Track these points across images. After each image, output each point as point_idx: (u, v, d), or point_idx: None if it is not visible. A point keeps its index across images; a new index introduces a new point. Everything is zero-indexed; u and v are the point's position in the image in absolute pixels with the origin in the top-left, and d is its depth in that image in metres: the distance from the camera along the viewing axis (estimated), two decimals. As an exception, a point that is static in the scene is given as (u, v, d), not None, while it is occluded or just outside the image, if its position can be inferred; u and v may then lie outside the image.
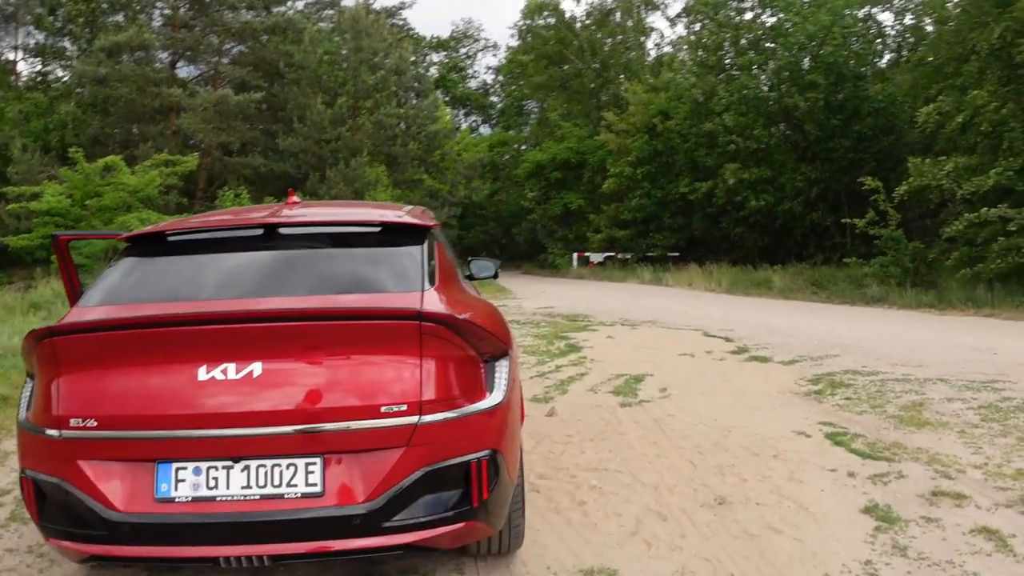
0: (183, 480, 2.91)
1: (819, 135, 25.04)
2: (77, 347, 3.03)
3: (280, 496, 2.90)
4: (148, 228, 3.81)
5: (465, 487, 3.02)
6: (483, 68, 66.62)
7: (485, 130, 53.46)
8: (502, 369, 3.28)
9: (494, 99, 54.62)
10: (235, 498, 2.89)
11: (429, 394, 2.95)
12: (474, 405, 3.07)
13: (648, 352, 10.28)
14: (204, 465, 2.92)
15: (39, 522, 3.09)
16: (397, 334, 2.97)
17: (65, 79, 33.02)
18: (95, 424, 2.92)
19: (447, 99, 48.72)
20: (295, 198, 4.45)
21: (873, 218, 18.82)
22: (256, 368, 2.89)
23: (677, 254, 29.52)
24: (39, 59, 35.66)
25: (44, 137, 29.28)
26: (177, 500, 2.89)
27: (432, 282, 3.41)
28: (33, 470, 3.07)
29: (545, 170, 37.67)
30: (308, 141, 29.93)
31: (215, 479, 2.91)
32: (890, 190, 18.35)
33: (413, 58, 36.50)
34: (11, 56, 34.79)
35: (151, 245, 3.70)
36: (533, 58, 42.07)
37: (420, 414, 2.93)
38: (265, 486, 2.90)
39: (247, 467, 2.92)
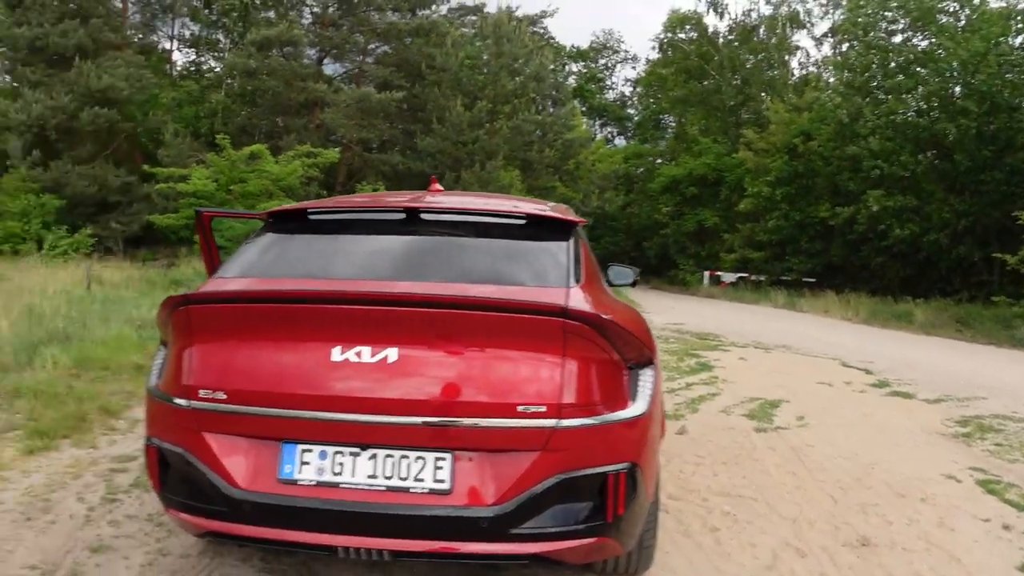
0: (308, 463, 2.84)
1: (969, 165, 23.65)
2: (211, 317, 3.00)
3: (406, 489, 2.78)
4: (289, 206, 3.76)
5: (600, 500, 2.84)
6: (621, 80, 66.14)
7: (620, 142, 53.18)
8: (646, 378, 3.08)
9: (631, 111, 54.20)
10: (360, 487, 2.79)
11: (569, 397, 2.78)
12: (615, 414, 2.88)
13: (783, 377, 9.84)
14: (331, 449, 2.84)
15: (160, 491, 3.07)
16: (539, 331, 2.81)
17: (217, 70, 34.64)
18: (224, 397, 2.88)
19: (584, 109, 48.73)
20: (437, 186, 4.35)
21: (1026, 255, 17.66)
22: (391, 354, 2.78)
23: (813, 280, 28.42)
24: (193, 50, 37.62)
25: (194, 124, 30.73)
26: (300, 483, 2.82)
27: (577, 280, 3.23)
28: (158, 438, 3.05)
29: (681, 185, 37.05)
30: (446, 142, 30.38)
31: (340, 464, 2.83)
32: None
33: (552, 66, 36.53)
34: (167, 45, 36.76)
35: (292, 222, 3.67)
36: (673, 71, 41.52)
37: (559, 417, 2.76)
38: (391, 477, 2.79)
39: (374, 456, 2.82)
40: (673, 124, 48.09)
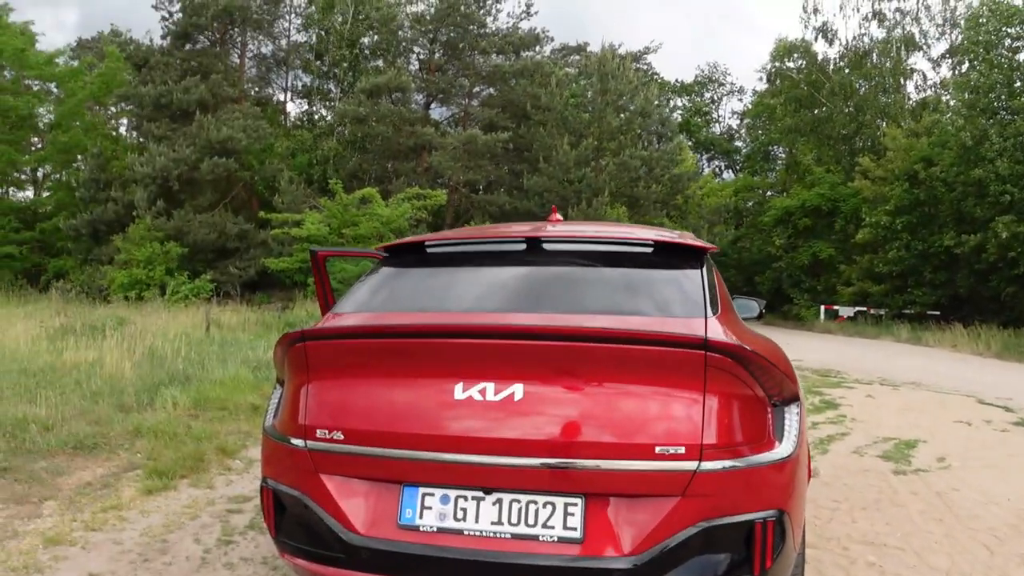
0: (429, 507, 2.70)
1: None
2: (328, 354, 2.90)
3: (534, 538, 2.60)
4: (406, 239, 3.68)
5: (746, 552, 2.60)
6: (728, 112, 65.17)
7: (729, 175, 52.20)
8: (792, 415, 2.84)
9: (739, 143, 53.30)
10: (484, 534, 2.63)
11: (711, 437, 2.56)
12: (761, 455, 2.65)
13: (916, 415, 9.26)
14: (453, 493, 2.69)
15: (275, 535, 2.98)
16: (678, 364, 2.60)
17: (328, 118, 35.54)
18: (342, 437, 2.77)
19: (691, 143, 48.07)
20: (558, 216, 4.21)
21: None
22: (517, 391, 2.62)
23: (937, 312, 27.03)
24: (306, 100, 38.81)
25: (308, 171, 31.61)
26: (422, 529, 2.68)
27: (715, 310, 3.02)
28: (275, 480, 2.96)
29: (793, 216, 35.92)
30: (552, 180, 30.45)
31: (463, 510, 2.67)
32: None
33: (657, 101, 36.24)
34: (281, 97, 38.13)
35: (408, 255, 3.58)
36: (782, 101, 40.54)
37: (700, 459, 2.54)
38: (518, 524, 2.62)
39: (499, 500, 2.65)
40: (783, 155, 46.95)
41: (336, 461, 2.80)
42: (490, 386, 2.63)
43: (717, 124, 55.35)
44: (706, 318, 2.90)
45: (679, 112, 50.97)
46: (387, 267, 3.50)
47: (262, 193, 31.72)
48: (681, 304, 3.00)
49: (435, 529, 2.66)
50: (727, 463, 2.56)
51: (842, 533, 4.73)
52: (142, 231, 27.01)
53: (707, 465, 2.54)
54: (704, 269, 3.23)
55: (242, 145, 28.30)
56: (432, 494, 2.70)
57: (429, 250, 3.56)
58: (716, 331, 2.76)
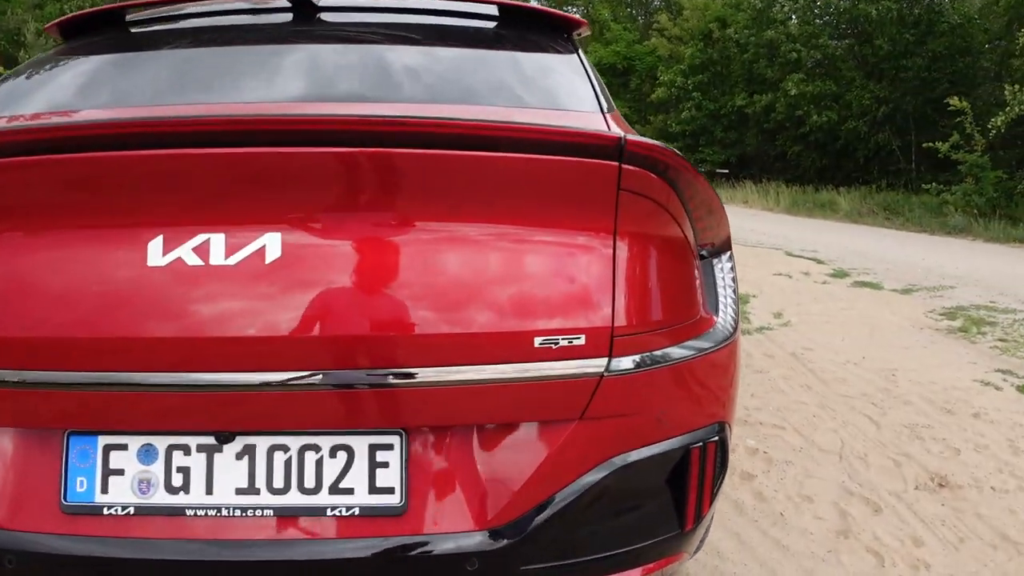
0: (119, 471, 1.42)
1: (890, 50, 22.81)
2: None
3: (316, 512, 1.41)
4: (91, 10, 2.25)
5: (677, 495, 1.54)
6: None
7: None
8: (726, 272, 1.77)
9: None
10: (223, 512, 1.40)
11: (625, 315, 1.44)
12: (696, 340, 1.58)
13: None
14: (161, 443, 1.42)
15: None
16: (575, 186, 1.44)
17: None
18: None
19: None
20: None
21: (957, 141, 16.93)
22: (270, 244, 1.36)
23: (727, 171, 27.55)
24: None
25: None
26: (108, 511, 1.41)
27: (609, 107, 1.87)
28: None
29: (588, 75, 35.37)
30: None
31: (183, 472, 1.42)
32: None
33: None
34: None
35: (98, 36, 2.19)
36: (578, -46, 39.43)
37: (610, 355, 1.43)
38: (285, 490, 1.42)
39: (247, 451, 1.42)
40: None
41: None
42: (218, 238, 1.35)
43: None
44: (604, 114, 1.77)
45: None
46: (63, 56, 2.08)
47: (5, 49, 27.40)
48: (565, 95, 1.87)
49: (131, 511, 1.40)
50: (649, 355, 1.47)
51: (705, 408, 3.87)
52: None
53: (620, 363, 1.43)
54: (580, 53, 2.13)
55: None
56: (123, 447, 1.42)
57: (134, 28, 2.21)
58: (626, 131, 1.57)
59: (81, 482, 1.41)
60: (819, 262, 9.69)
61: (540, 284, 1.41)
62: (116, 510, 1.40)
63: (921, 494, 3.03)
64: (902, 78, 22.96)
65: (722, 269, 1.77)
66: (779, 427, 3.63)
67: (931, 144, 17.65)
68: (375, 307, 1.36)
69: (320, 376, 1.35)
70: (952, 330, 6.06)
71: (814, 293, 7.45)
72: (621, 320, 1.42)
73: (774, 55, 25.07)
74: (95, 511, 1.40)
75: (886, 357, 5.01)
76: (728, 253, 1.82)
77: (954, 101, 16.88)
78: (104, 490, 1.40)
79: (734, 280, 1.77)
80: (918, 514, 2.85)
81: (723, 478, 1.63)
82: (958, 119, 16.92)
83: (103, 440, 1.41)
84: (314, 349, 1.35)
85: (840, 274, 8.72)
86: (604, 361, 1.42)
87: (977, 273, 9.36)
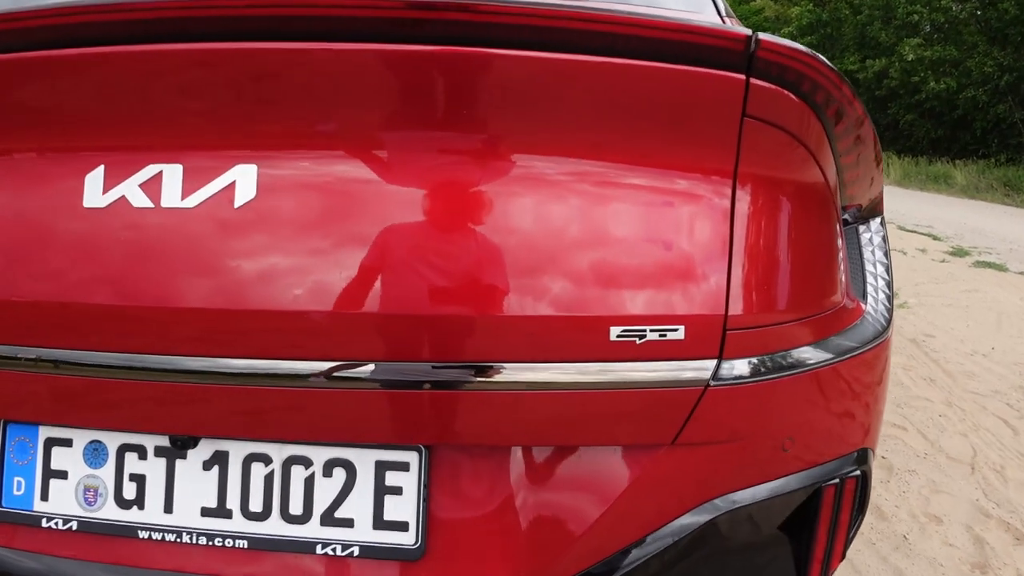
0: (62, 473, 1.10)
1: (1017, 14, 21.32)
2: None
3: (305, 546, 1.07)
4: None
5: (799, 548, 1.17)
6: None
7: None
8: (875, 244, 1.37)
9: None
10: (186, 538, 1.07)
11: (742, 300, 1.03)
12: (839, 336, 1.17)
13: (844, 242, 8.13)
14: (112, 441, 1.09)
15: None
16: (679, 104, 1.02)
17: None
18: None
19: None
20: None
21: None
22: (245, 180, 0.98)
23: (832, 139, 26.42)
24: None
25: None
26: (46, 523, 1.09)
27: (728, 12, 1.49)
28: None
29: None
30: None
31: (137, 481, 1.08)
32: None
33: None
34: None
35: None
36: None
37: (720, 356, 1.03)
38: (265, 515, 1.07)
39: (219, 459, 1.08)
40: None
41: None
42: (173, 171, 0.99)
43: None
44: (722, 17, 1.40)
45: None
46: None
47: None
48: None
49: (73, 525, 1.09)
50: (774, 358, 1.07)
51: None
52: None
53: (733, 367, 1.03)
54: None
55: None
56: (67, 442, 1.09)
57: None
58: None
59: (19, 483, 1.10)
60: (935, 238, 8.98)
61: (621, 251, 1.00)
62: (57, 523, 1.08)
63: (1073, 519, 2.55)
64: (1029, 44, 21.52)
65: (871, 240, 1.36)
66: (900, 427, 3.16)
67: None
68: (384, 273, 0.98)
69: (307, 366, 0.99)
70: (1093, 324, 5.42)
71: (932, 272, 6.84)
72: (738, 306, 1.02)
73: (890, 17, 23.73)
74: (33, 521, 1.09)
75: (1018, 350, 4.45)
76: (879, 218, 1.41)
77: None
78: (44, 496, 1.09)
79: (886, 256, 1.36)
80: (1072, 545, 2.39)
81: (860, 523, 1.24)
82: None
83: (44, 432, 1.09)
84: (299, 329, 0.98)
85: (960, 252, 8.04)
86: (711, 364, 1.02)
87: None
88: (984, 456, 2.96)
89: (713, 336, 1.01)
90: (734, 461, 1.08)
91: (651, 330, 0.99)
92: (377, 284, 0.97)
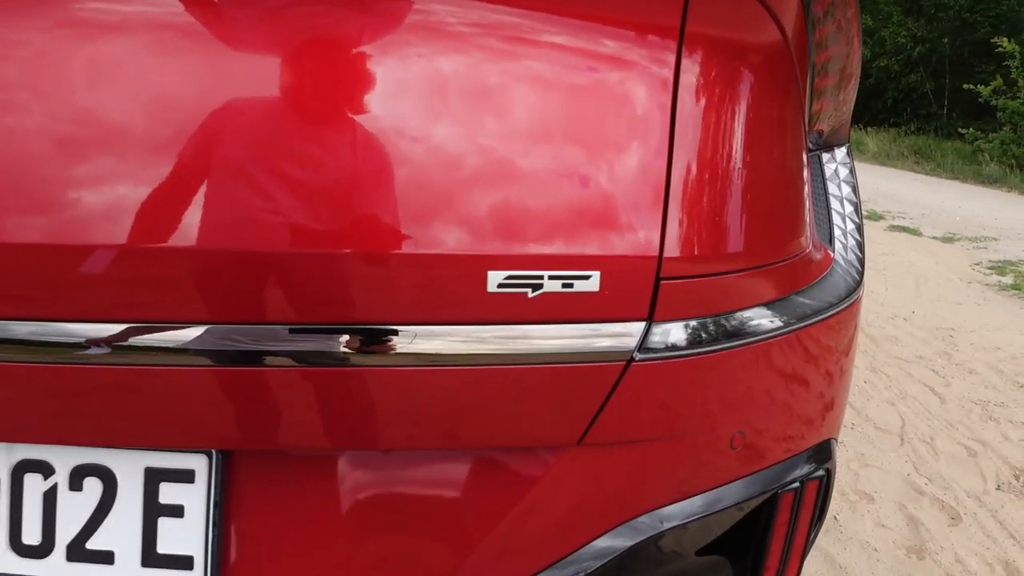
0: None
1: (933, -15, 21.75)
2: None
3: None
4: None
5: (746, 565, 0.87)
6: None
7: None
8: (842, 177, 1.08)
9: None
10: None
11: (681, 237, 0.70)
12: (805, 292, 0.85)
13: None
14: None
15: None
16: None
17: None
18: None
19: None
20: None
21: (999, 86, 15.96)
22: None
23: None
24: None
25: None
26: None
27: None
28: None
29: None
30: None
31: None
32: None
33: None
34: None
35: None
36: None
37: (650, 317, 0.70)
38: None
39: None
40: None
41: None
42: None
43: None
44: None
45: None
46: None
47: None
48: None
49: None
50: (721, 320, 0.75)
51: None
52: None
53: (668, 333, 0.72)
54: None
55: None
56: None
57: None
58: None
59: None
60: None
61: (511, 153, 0.67)
62: None
63: (1005, 497, 2.38)
64: (941, 17, 21.88)
65: (836, 172, 1.08)
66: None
67: (971, 86, 16.69)
68: (133, 180, 0.63)
69: (30, 328, 0.64)
70: (1004, 287, 5.37)
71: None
72: (676, 245, 0.70)
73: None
74: None
75: (939, 314, 4.34)
76: (846, 147, 1.13)
77: (1003, 43, 15.92)
78: None
79: (855, 192, 1.08)
80: (1006, 525, 2.21)
81: (819, 529, 0.97)
82: (1004, 63, 15.99)
83: None
84: (18, 273, 0.63)
85: (874, 216, 8.03)
86: (636, 328, 0.71)
87: (1019, 226, 8.66)
88: (913, 426, 2.78)
89: (641, 288, 0.70)
90: (665, 465, 0.78)
91: (549, 277, 0.67)
92: (131, 198, 0.62)
